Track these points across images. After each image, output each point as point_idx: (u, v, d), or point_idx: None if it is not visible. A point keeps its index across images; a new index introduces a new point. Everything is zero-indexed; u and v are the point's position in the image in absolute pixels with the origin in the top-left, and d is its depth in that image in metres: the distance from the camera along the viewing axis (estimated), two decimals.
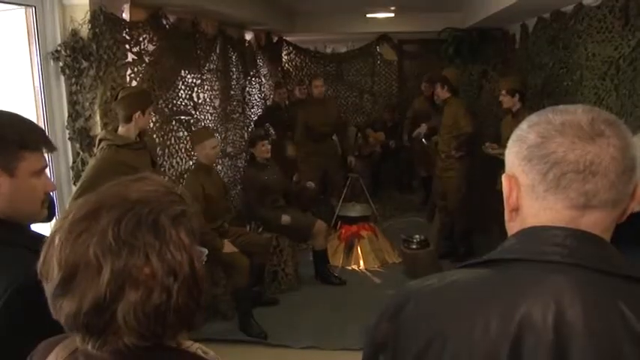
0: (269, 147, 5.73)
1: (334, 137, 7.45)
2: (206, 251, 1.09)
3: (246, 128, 7.64)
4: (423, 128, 7.54)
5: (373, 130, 9.06)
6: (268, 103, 8.43)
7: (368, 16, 8.66)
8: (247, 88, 7.77)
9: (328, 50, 10.90)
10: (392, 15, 8.59)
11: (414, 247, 6.01)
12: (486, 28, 7.87)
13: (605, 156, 1.00)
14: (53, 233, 1.02)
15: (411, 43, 10.12)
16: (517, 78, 5.65)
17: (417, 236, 6.09)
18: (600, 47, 4.55)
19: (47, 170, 1.63)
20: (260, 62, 8.39)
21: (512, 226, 1.11)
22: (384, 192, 8.93)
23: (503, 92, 5.42)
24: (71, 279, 0.97)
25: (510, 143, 1.10)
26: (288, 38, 9.77)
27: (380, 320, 1.13)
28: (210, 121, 6.25)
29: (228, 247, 4.82)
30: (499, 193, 1.13)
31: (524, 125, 1.09)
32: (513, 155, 1.08)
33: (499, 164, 5.14)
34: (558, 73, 5.36)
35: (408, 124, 8.29)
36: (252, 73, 7.95)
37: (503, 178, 1.11)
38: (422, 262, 5.80)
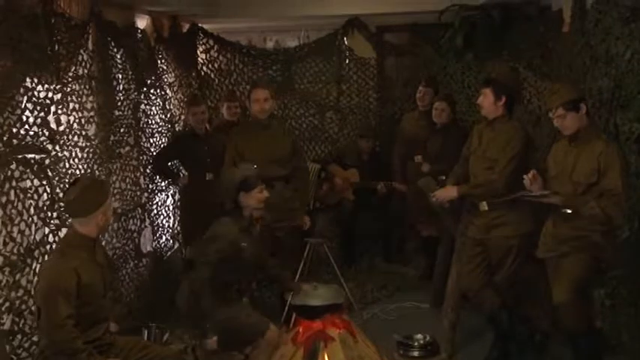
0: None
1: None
2: None
3: (142, 169, 7.57)
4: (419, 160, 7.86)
5: (341, 166, 9.04)
6: (178, 128, 8.50)
7: None
8: (143, 106, 7.76)
9: (270, 44, 11.03)
10: None
11: (416, 354, 5.85)
12: (514, 4, 8.01)
13: None
14: None
15: (397, 32, 10.18)
16: (566, 86, 5.44)
17: (420, 336, 5.96)
18: None
19: None
20: (162, 65, 8.43)
21: None
22: (363, 263, 8.89)
23: (558, 111, 5.15)
24: None
25: None
26: (206, 26, 9.77)
27: None
28: (81, 159, 6.14)
29: None
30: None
31: None
32: None
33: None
34: None
35: (400, 155, 8.43)
36: (149, 81, 7.94)
37: None
38: None
